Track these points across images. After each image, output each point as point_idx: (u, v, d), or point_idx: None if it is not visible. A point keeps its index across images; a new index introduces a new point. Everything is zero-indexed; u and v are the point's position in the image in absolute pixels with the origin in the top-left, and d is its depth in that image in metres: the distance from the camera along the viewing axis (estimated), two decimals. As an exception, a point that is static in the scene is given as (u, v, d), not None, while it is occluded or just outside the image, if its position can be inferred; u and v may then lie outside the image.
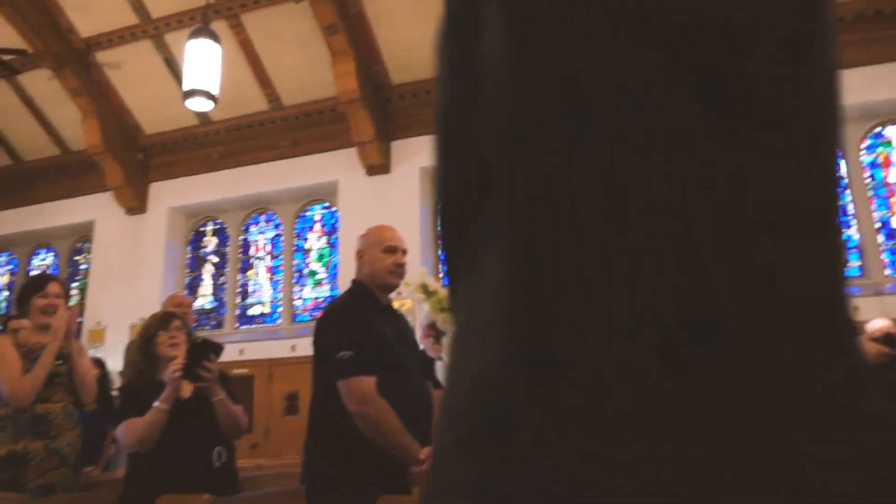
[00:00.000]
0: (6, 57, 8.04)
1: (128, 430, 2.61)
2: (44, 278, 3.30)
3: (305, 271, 9.18)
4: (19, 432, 2.90)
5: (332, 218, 9.13)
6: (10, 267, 11.32)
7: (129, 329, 8.66)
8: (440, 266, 8.44)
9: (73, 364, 3.03)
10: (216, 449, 2.65)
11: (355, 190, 8.52)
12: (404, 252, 2.49)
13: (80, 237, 10.60)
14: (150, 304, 9.08)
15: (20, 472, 2.85)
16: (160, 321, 2.80)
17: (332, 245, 9.01)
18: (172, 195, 9.57)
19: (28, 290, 3.17)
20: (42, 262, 11.14)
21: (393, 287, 2.48)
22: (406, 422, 2.16)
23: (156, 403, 2.54)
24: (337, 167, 8.67)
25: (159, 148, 9.65)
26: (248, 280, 9.50)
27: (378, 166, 8.38)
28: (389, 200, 8.24)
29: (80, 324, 4.07)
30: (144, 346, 2.76)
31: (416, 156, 8.34)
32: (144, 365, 2.73)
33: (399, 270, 2.44)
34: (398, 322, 2.48)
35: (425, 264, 8.11)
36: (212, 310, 9.49)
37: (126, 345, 3.64)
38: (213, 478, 2.59)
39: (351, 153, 8.50)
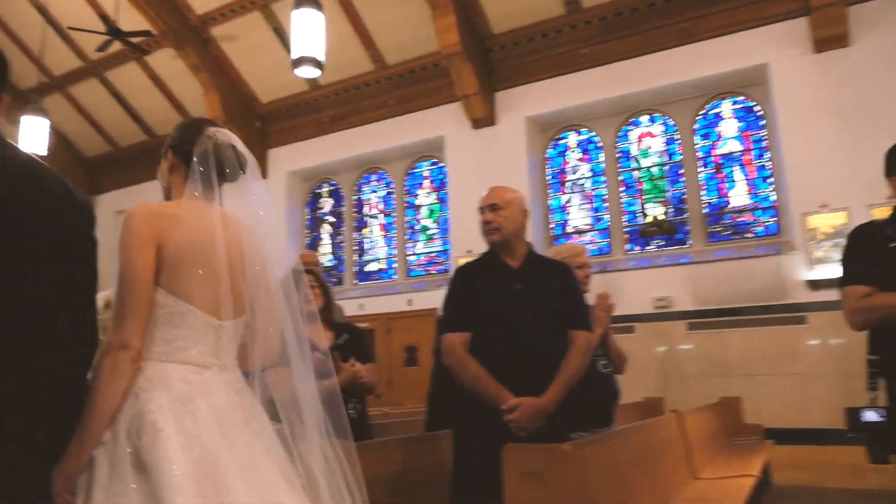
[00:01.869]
0: (135, 39, 8.66)
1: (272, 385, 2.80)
2: None
3: (417, 227, 9.40)
4: None
5: (440, 173, 9.25)
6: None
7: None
8: (548, 215, 8.37)
9: None
10: (350, 402, 2.86)
11: (461, 144, 8.57)
12: (490, 208, 2.48)
13: (211, 204, 11.40)
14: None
15: None
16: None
17: (442, 200, 9.15)
18: (289, 160, 10.04)
19: None
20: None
21: (490, 244, 2.50)
22: (502, 374, 2.27)
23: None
24: (442, 122, 8.73)
25: (275, 115, 10.10)
26: (364, 238, 9.88)
27: (483, 119, 8.36)
28: (495, 152, 8.23)
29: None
30: None
31: (521, 106, 8.23)
32: None
33: (485, 228, 2.48)
34: (521, 280, 2.43)
35: (534, 215, 8.09)
36: (332, 267, 9.97)
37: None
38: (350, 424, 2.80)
39: (455, 108, 8.53)
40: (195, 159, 1.60)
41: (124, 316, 1.42)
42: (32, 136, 8.13)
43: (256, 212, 1.64)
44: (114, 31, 8.31)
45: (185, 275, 1.48)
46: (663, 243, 7.70)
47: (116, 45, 8.84)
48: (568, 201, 8.35)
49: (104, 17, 8.45)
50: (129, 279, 1.44)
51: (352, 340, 3.02)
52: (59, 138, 10.92)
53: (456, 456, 2.39)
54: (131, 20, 8.68)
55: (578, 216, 8.25)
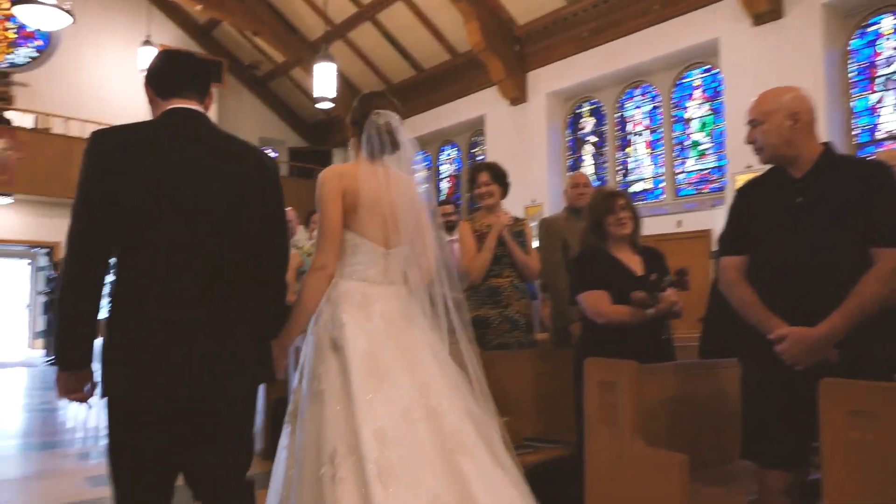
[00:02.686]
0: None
1: (590, 301, 2.90)
2: (475, 168, 3.79)
3: (687, 143, 8.71)
4: (480, 301, 3.55)
5: (713, 81, 8.36)
6: (425, 164, 13.33)
7: (524, 210, 9.51)
8: (850, 119, 7.13)
9: (510, 250, 3.54)
10: (664, 325, 2.88)
11: (739, 45, 7.57)
12: (751, 124, 2.16)
13: (475, 131, 11.83)
14: (539, 187, 9.79)
15: (483, 333, 3.49)
16: (605, 204, 2.97)
17: (716, 111, 8.31)
18: (548, 81, 9.90)
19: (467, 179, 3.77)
20: (447, 157, 12.82)
21: (762, 162, 2.21)
22: (774, 300, 2.05)
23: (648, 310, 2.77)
24: (716, 22, 7.78)
25: (532, 36, 9.97)
26: (628, 157, 9.45)
27: (765, 13, 7.25)
28: (783, 50, 7.13)
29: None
30: (594, 226, 3.00)
31: (817, -9, 6.97)
32: (596, 241, 2.99)
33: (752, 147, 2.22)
34: (804, 192, 2.09)
35: (829, 119, 6.95)
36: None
37: (538, 222, 4.01)
38: (658, 349, 2.81)
39: (731, 3, 7.53)
40: (363, 136, 2.19)
41: (322, 247, 2.08)
42: (323, 81, 9.12)
43: (411, 172, 2.24)
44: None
45: (361, 217, 2.10)
46: None
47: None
48: (879, 101, 6.99)
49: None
50: (325, 222, 2.09)
51: (654, 265, 2.99)
52: (343, 81, 12.12)
53: (745, 390, 2.20)
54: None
55: (893, 118, 6.88)
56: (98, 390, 1.72)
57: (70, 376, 1.72)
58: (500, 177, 3.68)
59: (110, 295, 1.74)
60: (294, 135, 15.23)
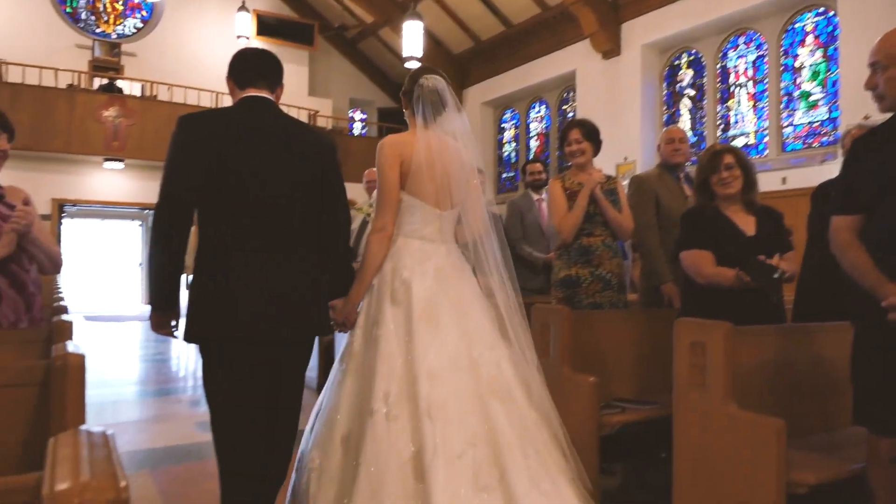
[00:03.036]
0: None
1: (691, 260, 2.83)
2: (566, 126, 3.69)
3: (796, 93, 8.10)
4: (571, 260, 3.52)
5: (828, 25, 7.70)
6: (514, 122, 13.13)
7: (615, 168, 9.23)
8: None
9: (602, 208, 3.46)
10: (774, 287, 2.74)
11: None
12: (872, 67, 1.95)
13: (566, 87, 11.50)
14: (632, 144, 9.44)
15: (575, 292, 3.47)
16: (710, 163, 2.88)
17: (830, 58, 7.66)
18: (643, 32, 9.43)
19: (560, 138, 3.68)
20: (536, 114, 12.57)
21: (881, 110, 2.00)
22: (887, 261, 1.92)
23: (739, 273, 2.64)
24: (834, -41, 7.13)
25: (628, -16, 9.50)
26: (729, 110, 8.92)
27: (893, -55, 6.56)
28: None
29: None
30: (701, 186, 2.92)
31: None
32: (704, 199, 2.91)
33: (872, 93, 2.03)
34: None
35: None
36: (692, 145, 9.33)
37: (630, 179, 3.88)
38: (767, 312, 2.71)
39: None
40: (414, 103, 2.40)
41: (382, 210, 2.31)
42: (412, 40, 9.10)
43: (459, 134, 2.43)
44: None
45: (417, 181, 2.31)
46: None
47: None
48: None
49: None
50: (383, 187, 2.32)
51: (769, 226, 2.84)
52: (431, 39, 12.03)
53: (861, 354, 2.07)
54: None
55: None
56: (182, 327, 2.09)
57: (159, 315, 2.10)
58: (592, 134, 3.56)
59: (196, 250, 2.09)
60: (383, 95, 15.34)
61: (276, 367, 2.10)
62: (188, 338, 2.04)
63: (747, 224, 2.82)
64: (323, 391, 2.31)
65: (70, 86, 11.13)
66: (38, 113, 10.15)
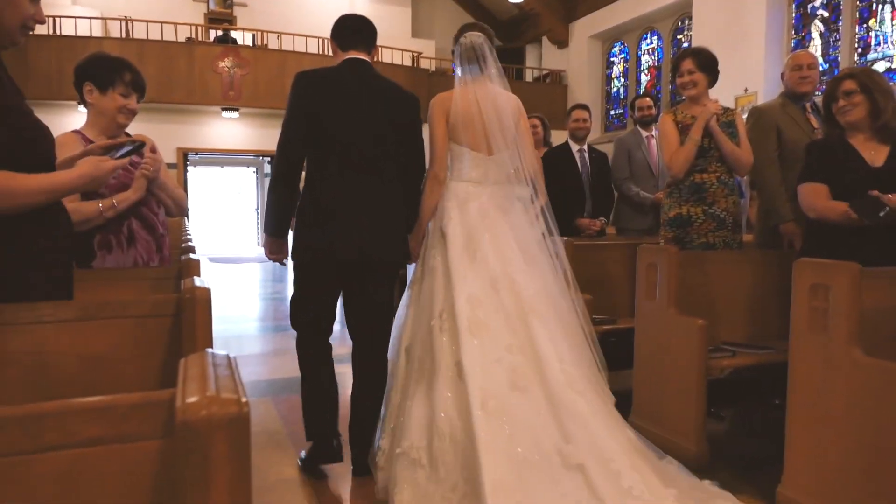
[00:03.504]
0: None
1: (804, 193, 2.69)
2: (678, 56, 3.46)
3: (950, 8, 7.19)
4: (683, 198, 3.37)
5: None
6: (623, 55, 12.53)
7: (734, 100, 8.64)
8: None
9: (718, 141, 3.28)
10: None
11: None
12: None
13: (681, 14, 10.79)
14: (754, 75, 8.77)
15: (686, 232, 3.35)
16: (830, 90, 2.70)
17: None
18: (770, -52, 8.62)
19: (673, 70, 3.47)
20: (648, 46, 11.91)
21: None
22: None
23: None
24: None
25: None
26: (869, 31, 8.05)
27: None
28: None
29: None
30: (826, 116, 2.76)
31: None
32: (830, 129, 2.75)
33: None
34: None
35: None
36: (822, 73, 8.54)
37: (749, 111, 3.61)
38: (891, 253, 2.48)
39: None
40: (456, 60, 2.74)
41: (434, 160, 2.67)
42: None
43: (499, 87, 2.71)
44: None
45: (461, 131, 2.65)
46: None
47: None
48: None
49: None
50: (433, 140, 2.67)
51: None
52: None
53: None
54: None
55: None
56: (291, 252, 2.62)
57: (273, 241, 2.65)
58: (706, 64, 3.33)
59: (304, 189, 2.59)
60: (486, 34, 15.05)
61: (367, 284, 2.60)
62: (294, 255, 2.55)
63: (877, 154, 2.59)
64: (398, 311, 2.75)
65: (189, 39, 11.70)
66: (161, 67, 10.77)
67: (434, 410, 2.26)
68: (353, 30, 2.64)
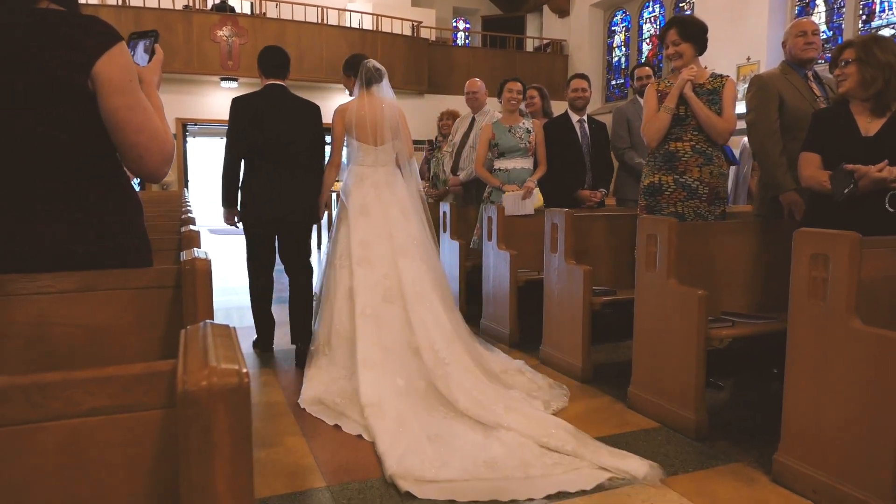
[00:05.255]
0: None
1: (800, 162, 2.72)
2: (665, 26, 3.42)
3: (958, -26, 7.07)
4: (657, 166, 3.37)
5: None
6: (625, 24, 12.36)
7: (736, 70, 8.54)
8: None
9: (693, 109, 3.25)
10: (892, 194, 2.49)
11: None
12: None
13: (683, -17, 10.62)
14: (757, 43, 8.66)
15: (657, 201, 3.35)
16: (833, 59, 2.72)
17: None
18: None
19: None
20: (650, 14, 11.75)
21: None
22: None
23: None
24: None
25: None
26: (874, -2, 7.94)
27: None
28: None
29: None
30: (837, 83, 2.76)
31: None
32: (839, 98, 2.74)
33: None
34: None
35: None
36: (826, 41, 8.44)
37: (751, 79, 3.57)
38: (883, 222, 2.48)
39: None
40: (357, 79, 3.71)
41: (333, 149, 3.76)
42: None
43: (388, 97, 3.74)
44: None
45: (356, 130, 3.64)
46: None
47: None
48: None
49: None
50: (334, 136, 3.75)
51: None
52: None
53: None
54: None
55: None
56: (241, 218, 3.86)
57: (227, 210, 3.87)
58: (690, 33, 3.28)
59: (243, 177, 3.81)
60: (487, 2, 14.83)
61: (290, 235, 3.85)
62: (242, 220, 3.84)
63: (872, 125, 2.58)
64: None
65: (186, 7, 11.53)
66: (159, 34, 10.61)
67: (333, 319, 3.41)
68: (273, 64, 3.80)
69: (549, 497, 2.20)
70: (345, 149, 3.79)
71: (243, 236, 3.90)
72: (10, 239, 1.36)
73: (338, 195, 4.03)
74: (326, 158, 3.89)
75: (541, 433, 2.58)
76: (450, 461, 2.41)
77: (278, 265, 3.96)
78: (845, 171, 2.44)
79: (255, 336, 4.10)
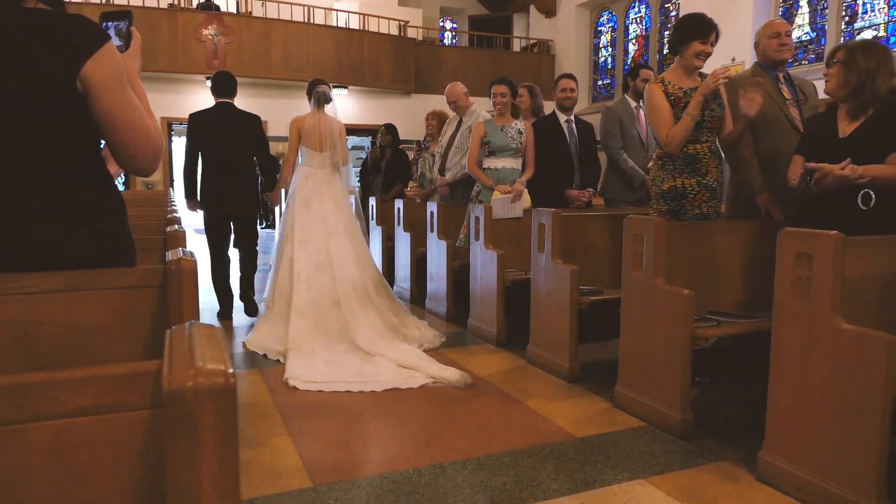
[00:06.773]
0: None
1: (791, 164, 2.83)
2: (708, 25, 3.21)
3: (939, -23, 7.17)
4: (677, 170, 3.32)
5: None
6: (611, 25, 12.41)
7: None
8: None
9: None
10: (867, 194, 2.53)
11: None
12: None
13: (669, -16, 10.68)
14: (742, 43, 8.73)
15: (681, 204, 3.33)
16: (827, 59, 2.79)
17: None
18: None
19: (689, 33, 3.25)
20: (636, 14, 11.81)
21: None
22: None
23: None
24: None
25: None
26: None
27: None
28: None
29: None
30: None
31: None
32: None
33: None
34: None
35: None
36: (809, 42, 8.52)
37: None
38: (859, 221, 2.53)
39: None
40: (312, 99, 4.69)
41: (288, 152, 4.81)
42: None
43: (333, 115, 4.72)
44: None
45: (307, 138, 4.63)
46: None
47: None
48: None
49: None
50: (290, 142, 4.77)
51: (884, 124, 2.63)
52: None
53: None
54: None
55: None
56: (201, 210, 5.00)
57: (189, 201, 5.05)
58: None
59: (200, 177, 4.97)
60: (474, 2, 14.84)
61: (240, 223, 5.06)
62: (202, 210, 4.97)
63: (849, 126, 2.65)
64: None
65: (171, 5, 11.44)
66: (143, 33, 10.37)
67: (277, 283, 4.45)
68: (222, 87, 4.91)
69: (387, 391, 3.36)
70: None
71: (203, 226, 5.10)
72: (10, 239, 1.35)
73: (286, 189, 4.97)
74: (267, 159, 5.12)
75: (401, 358, 3.74)
76: (333, 375, 3.55)
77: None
78: (808, 171, 2.56)
79: (218, 308, 5.12)
